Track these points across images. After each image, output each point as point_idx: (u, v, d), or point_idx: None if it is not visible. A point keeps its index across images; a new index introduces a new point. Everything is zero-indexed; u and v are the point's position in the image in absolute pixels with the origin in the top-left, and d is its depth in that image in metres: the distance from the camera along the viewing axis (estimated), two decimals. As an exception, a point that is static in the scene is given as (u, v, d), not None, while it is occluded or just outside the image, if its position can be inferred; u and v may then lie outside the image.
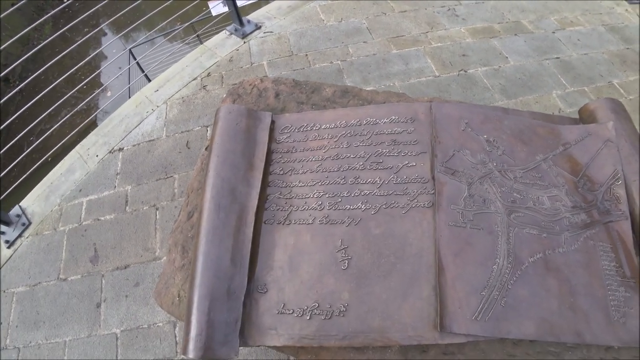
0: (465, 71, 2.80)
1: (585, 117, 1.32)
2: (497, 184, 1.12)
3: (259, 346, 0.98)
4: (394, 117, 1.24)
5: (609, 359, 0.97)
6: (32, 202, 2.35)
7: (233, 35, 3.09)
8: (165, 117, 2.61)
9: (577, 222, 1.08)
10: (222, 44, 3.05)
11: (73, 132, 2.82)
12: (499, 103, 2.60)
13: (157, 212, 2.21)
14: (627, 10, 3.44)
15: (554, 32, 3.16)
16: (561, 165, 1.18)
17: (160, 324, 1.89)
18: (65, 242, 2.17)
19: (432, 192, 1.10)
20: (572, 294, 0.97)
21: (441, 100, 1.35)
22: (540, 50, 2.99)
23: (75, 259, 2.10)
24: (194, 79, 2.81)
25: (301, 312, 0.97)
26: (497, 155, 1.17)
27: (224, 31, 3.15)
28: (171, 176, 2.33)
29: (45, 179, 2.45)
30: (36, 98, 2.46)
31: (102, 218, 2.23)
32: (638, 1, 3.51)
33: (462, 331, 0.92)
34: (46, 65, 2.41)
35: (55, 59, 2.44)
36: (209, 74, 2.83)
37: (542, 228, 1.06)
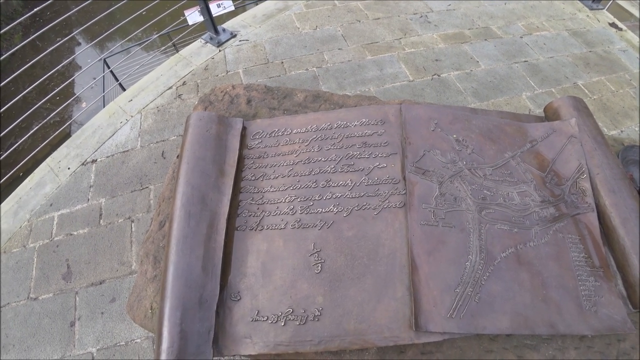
0: (439, 75, 2.86)
1: (550, 114, 1.37)
2: (468, 182, 1.13)
3: (233, 356, 0.96)
4: (364, 120, 1.25)
5: (584, 347, 0.99)
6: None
7: (208, 44, 3.07)
8: (140, 127, 2.56)
9: (546, 215, 1.11)
10: (198, 52, 3.03)
11: (44, 144, 2.73)
12: (472, 105, 2.66)
13: (133, 225, 2.14)
14: (588, 15, 3.60)
15: (521, 37, 3.27)
16: (529, 162, 1.21)
17: (138, 340, 1.82)
18: (35, 260, 2.07)
19: (404, 192, 1.10)
20: (544, 287, 0.99)
21: (411, 102, 1.37)
22: (509, 54, 3.09)
23: (47, 277, 2.01)
24: (169, 88, 2.77)
25: (275, 319, 0.96)
26: (467, 154, 1.19)
27: (199, 40, 3.13)
28: (147, 187, 2.28)
29: (13, 194, 2.35)
30: (4, 108, 2.37)
31: (75, 233, 2.15)
32: (598, 7, 3.69)
33: (438, 329, 0.92)
34: (15, 74, 2.33)
35: (24, 67, 2.36)
36: (184, 83, 2.80)
37: (513, 223, 1.08)
